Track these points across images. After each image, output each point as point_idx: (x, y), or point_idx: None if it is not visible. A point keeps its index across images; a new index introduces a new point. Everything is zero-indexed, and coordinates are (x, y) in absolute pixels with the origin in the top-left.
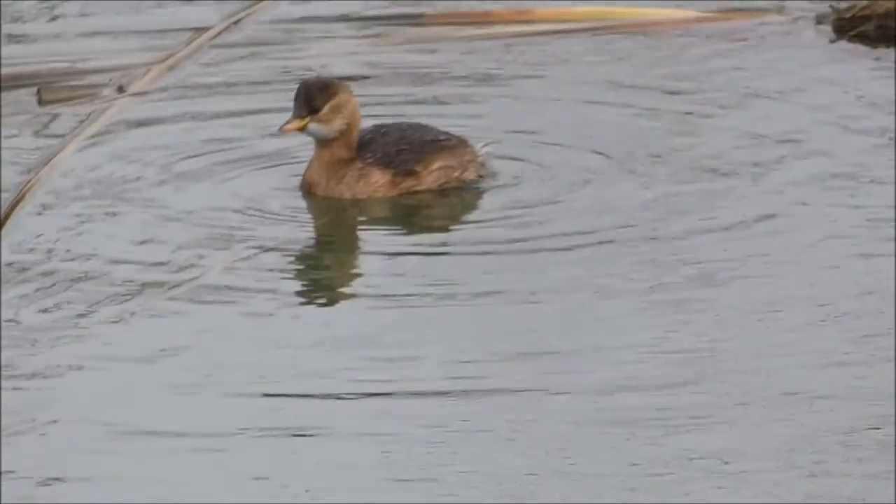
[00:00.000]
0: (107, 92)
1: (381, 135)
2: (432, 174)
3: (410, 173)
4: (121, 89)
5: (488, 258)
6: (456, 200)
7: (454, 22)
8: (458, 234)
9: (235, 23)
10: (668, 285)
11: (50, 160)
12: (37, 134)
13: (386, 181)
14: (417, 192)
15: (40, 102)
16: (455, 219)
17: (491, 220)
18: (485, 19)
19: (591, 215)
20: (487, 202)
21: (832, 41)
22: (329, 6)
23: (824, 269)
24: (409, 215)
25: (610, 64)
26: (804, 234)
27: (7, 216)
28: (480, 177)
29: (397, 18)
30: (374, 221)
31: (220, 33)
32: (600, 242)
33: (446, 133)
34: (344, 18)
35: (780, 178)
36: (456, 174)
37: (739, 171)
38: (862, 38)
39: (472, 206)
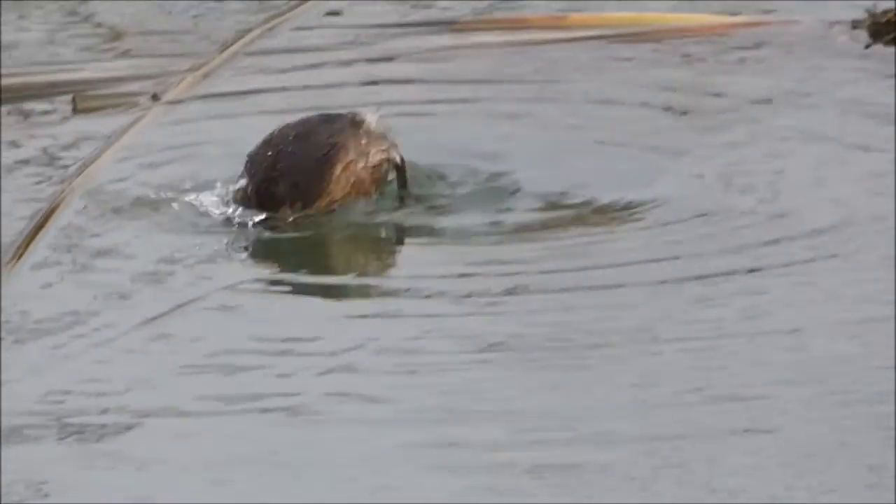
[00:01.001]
0: (141, 100)
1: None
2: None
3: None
4: (155, 97)
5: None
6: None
7: (488, 28)
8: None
9: (270, 29)
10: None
11: (84, 169)
12: (70, 144)
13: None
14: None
15: (75, 110)
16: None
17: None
18: (519, 25)
19: (632, 250)
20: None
21: (867, 46)
22: (360, 13)
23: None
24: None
25: (641, 69)
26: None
27: (42, 225)
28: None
29: (430, 24)
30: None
31: (254, 40)
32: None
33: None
34: (377, 25)
35: (825, 193)
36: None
37: (779, 190)
38: None
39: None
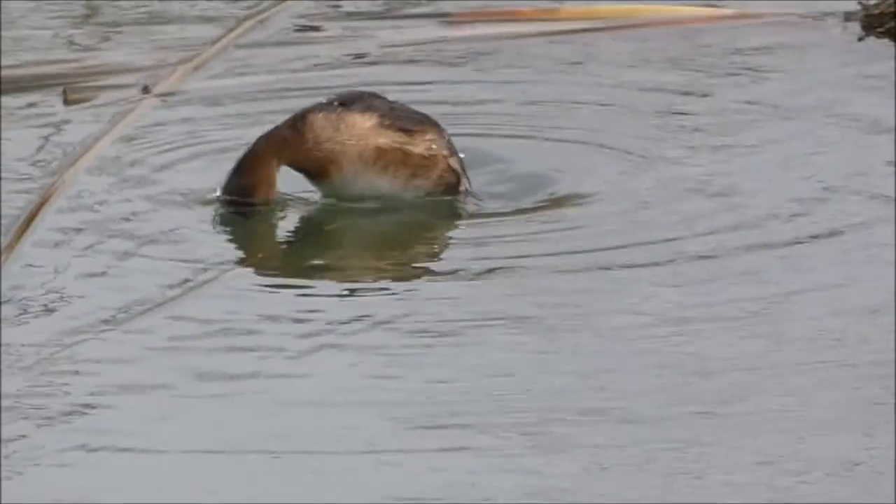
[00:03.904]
0: (133, 92)
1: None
2: (426, 142)
3: (404, 130)
4: (146, 90)
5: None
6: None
7: (481, 20)
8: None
9: (262, 21)
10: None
11: (75, 161)
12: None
13: (373, 124)
14: (408, 155)
15: (66, 102)
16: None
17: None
18: (512, 17)
19: (621, 233)
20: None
21: (860, 38)
22: (349, 4)
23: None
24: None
25: (635, 62)
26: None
27: (32, 217)
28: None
29: (423, 17)
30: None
31: (245, 32)
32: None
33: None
34: (368, 16)
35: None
36: (444, 153)
37: (762, 188)
38: (891, 34)
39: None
